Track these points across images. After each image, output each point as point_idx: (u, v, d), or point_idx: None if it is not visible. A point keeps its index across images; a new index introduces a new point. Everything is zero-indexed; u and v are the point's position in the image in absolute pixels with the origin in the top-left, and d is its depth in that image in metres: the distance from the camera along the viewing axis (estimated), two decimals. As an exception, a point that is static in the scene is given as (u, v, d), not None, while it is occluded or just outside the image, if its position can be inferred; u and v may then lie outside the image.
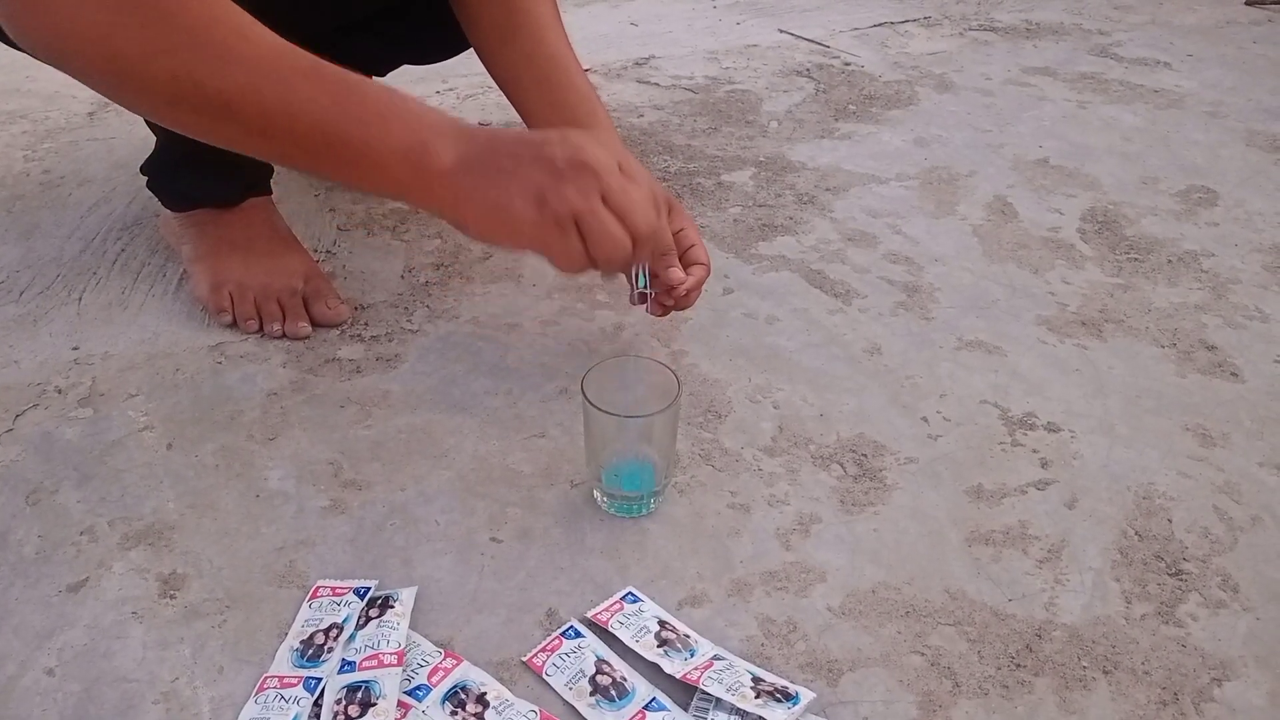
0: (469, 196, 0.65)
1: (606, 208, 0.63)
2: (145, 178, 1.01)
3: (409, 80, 1.45)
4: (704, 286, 0.89)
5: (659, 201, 0.68)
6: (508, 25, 0.90)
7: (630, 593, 0.69)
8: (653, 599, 0.69)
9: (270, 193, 1.03)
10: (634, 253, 0.66)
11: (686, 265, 0.86)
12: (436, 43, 1.17)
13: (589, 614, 0.67)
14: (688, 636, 0.66)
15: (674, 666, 0.63)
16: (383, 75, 1.24)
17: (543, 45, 0.90)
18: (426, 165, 0.64)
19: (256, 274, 0.95)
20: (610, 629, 0.66)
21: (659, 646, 0.65)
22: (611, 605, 0.68)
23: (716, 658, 0.64)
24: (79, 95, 1.47)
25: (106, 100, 1.44)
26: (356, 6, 1.07)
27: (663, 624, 0.67)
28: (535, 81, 0.90)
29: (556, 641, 0.65)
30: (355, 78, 0.65)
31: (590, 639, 0.66)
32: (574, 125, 0.88)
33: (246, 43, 0.63)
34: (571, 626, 0.67)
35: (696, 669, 0.63)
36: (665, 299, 0.86)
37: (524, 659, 0.65)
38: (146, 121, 0.96)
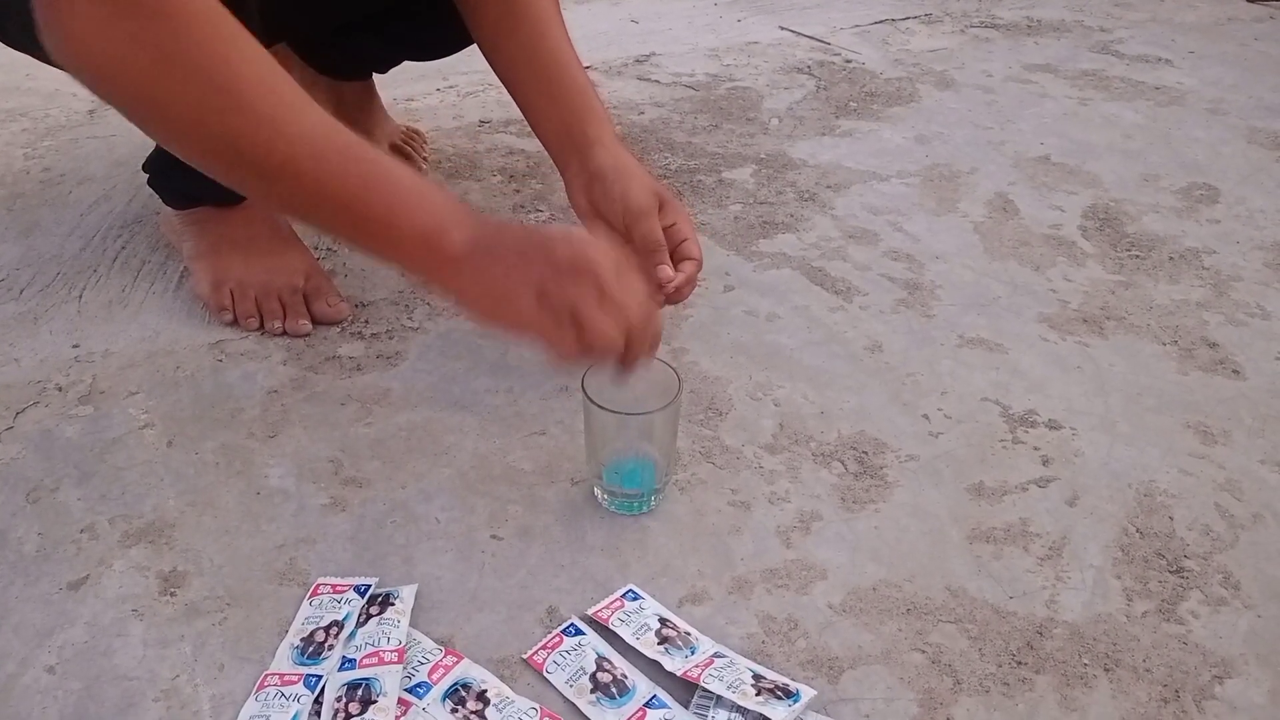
0: (475, 281, 0.68)
1: (602, 305, 0.66)
2: (146, 175, 1.01)
3: (410, 77, 1.45)
4: (702, 280, 0.89)
5: (651, 305, 0.70)
6: (509, 20, 0.91)
7: (631, 590, 0.69)
8: (653, 596, 0.69)
9: None
10: (626, 347, 0.68)
11: (677, 261, 0.86)
12: (437, 40, 1.17)
13: (589, 611, 0.67)
14: (688, 634, 0.66)
15: (674, 664, 0.63)
16: (384, 72, 1.24)
17: (543, 40, 0.90)
18: (440, 249, 0.67)
19: (257, 272, 0.95)
20: (611, 626, 0.66)
21: (659, 644, 0.65)
22: (612, 603, 0.68)
23: (717, 655, 0.64)
24: (79, 93, 1.46)
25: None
26: (358, 5, 1.07)
27: (663, 621, 0.67)
28: (534, 77, 0.91)
29: (557, 639, 0.65)
30: (387, 161, 0.68)
31: (591, 636, 0.66)
32: (571, 122, 0.89)
33: (295, 118, 0.65)
34: (572, 624, 0.67)
35: (697, 666, 0.63)
36: (656, 295, 0.86)
37: (524, 656, 0.65)
38: None
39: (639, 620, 0.66)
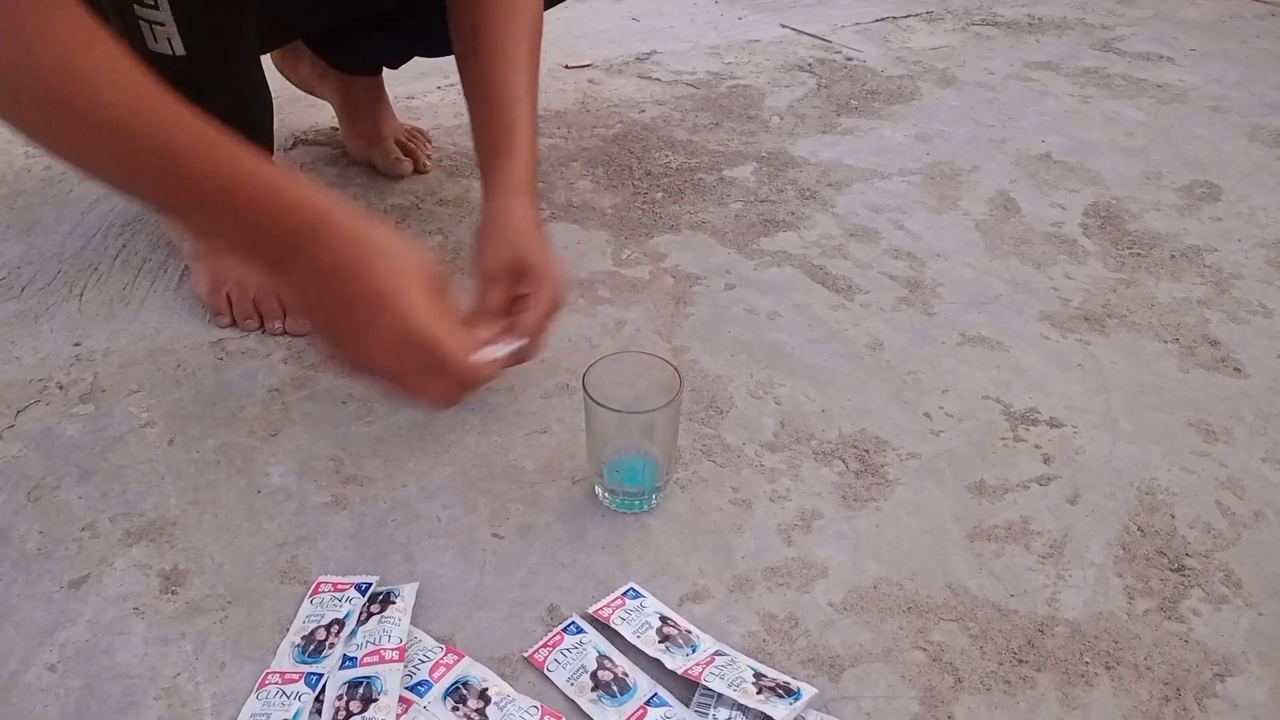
0: (310, 318, 0.69)
1: (412, 389, 0.68)
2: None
3: (411, 75, 1.45)
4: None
5: (464, 381, 0.69)
6: (470, 47, 0.89)
7: (632, 588, 0.69)
8: (655, 595, 0.69)
9: None
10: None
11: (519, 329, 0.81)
12: (447, 37, 1.17)
13: (591, 610, 0.67)
14: (689, 632, 0.66)
15: (676, 662, 0.63)
16: (395, 67, 1.24)
17: (494, 72, 0.88)
18: (277, 263, 0.65)
19: (256, 272, 0.95)
20: (612, 625, 0.66)
21: (660, 642, 0.65)
22: (613, 601, 0.68)
23: (718, 653, 0.64)
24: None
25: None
26: (365, 2, 1.07)
27: (664, 619, 0.67)
28: (478, 106, 0.89)
29: (558, 637, 0.65)
30: (222, 141, 0.62)
31: (592, 634, 0.66)
32: (488, 158, 0.86)
33: (148, 110, 0.60)
34: (573, 622, 0.67)
35: (698, 665, 0.63)
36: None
37: (525, 655, 0.65)
38: None
39: (640, 619, 0.66)
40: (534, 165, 0.87)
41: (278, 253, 0.64)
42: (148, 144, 0.60)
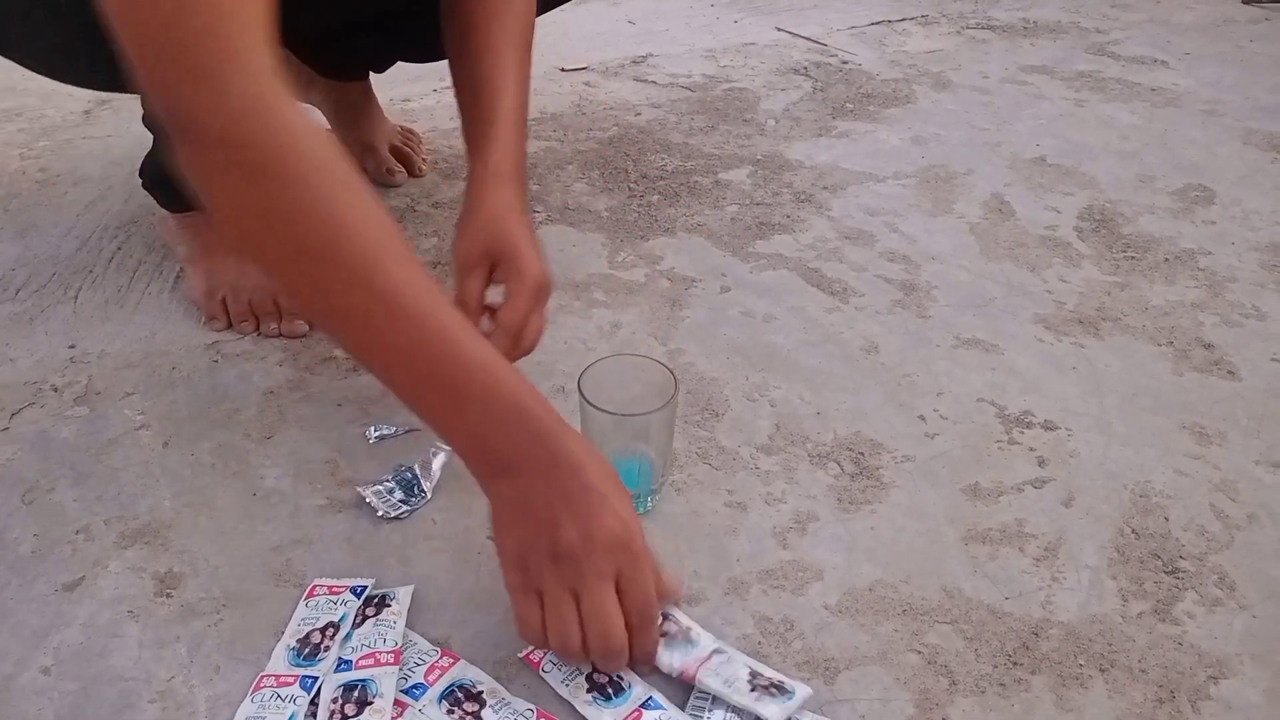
0: (496, 504, 0.64)
1: (573, 603, 0.60)
2: (142, 178, 1.01)
3: (406, 78, 1.45)
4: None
5: (633, 625, 0.62)
6: (460, 46, 0.89)
7: None
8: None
9: None
10: (581, 656, 0.61)
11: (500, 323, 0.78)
12: (435, 42, 1.17)
13: (520, 655, 0.65)
14: (689, 629, 0.66)
15: (674, 659, 0.63)
16: (381, 71, 1.24)
17: (479, 67, 0.87)
18: (479, 458, 0.63)
19: (251, 274, 0.95)
20: (541, 673, 0.64)
21: (588, 691, 0.63)
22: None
23: (716, 651, 0.64)
24: (75, 94, 1.46)
25: (103, 98, 1.44)
26: (359, 6, 1.07)
27: (663, 615, 0.67)
28: (466, 102, 0.88)
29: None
30: (460, 342, 0.62)
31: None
32: (472, 145, 0.85)
33: (382, 270, 0.61)
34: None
35: (696, 661, 0.63)
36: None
37: (521, 655, 0.64)
38: (144, 120, 0.96)
39: (571, 664, 0.64)
40: (517, 154, 0.85)
41: (512, 450, 0.62)
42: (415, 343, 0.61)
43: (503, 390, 0.62)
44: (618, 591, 0.60)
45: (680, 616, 0.67)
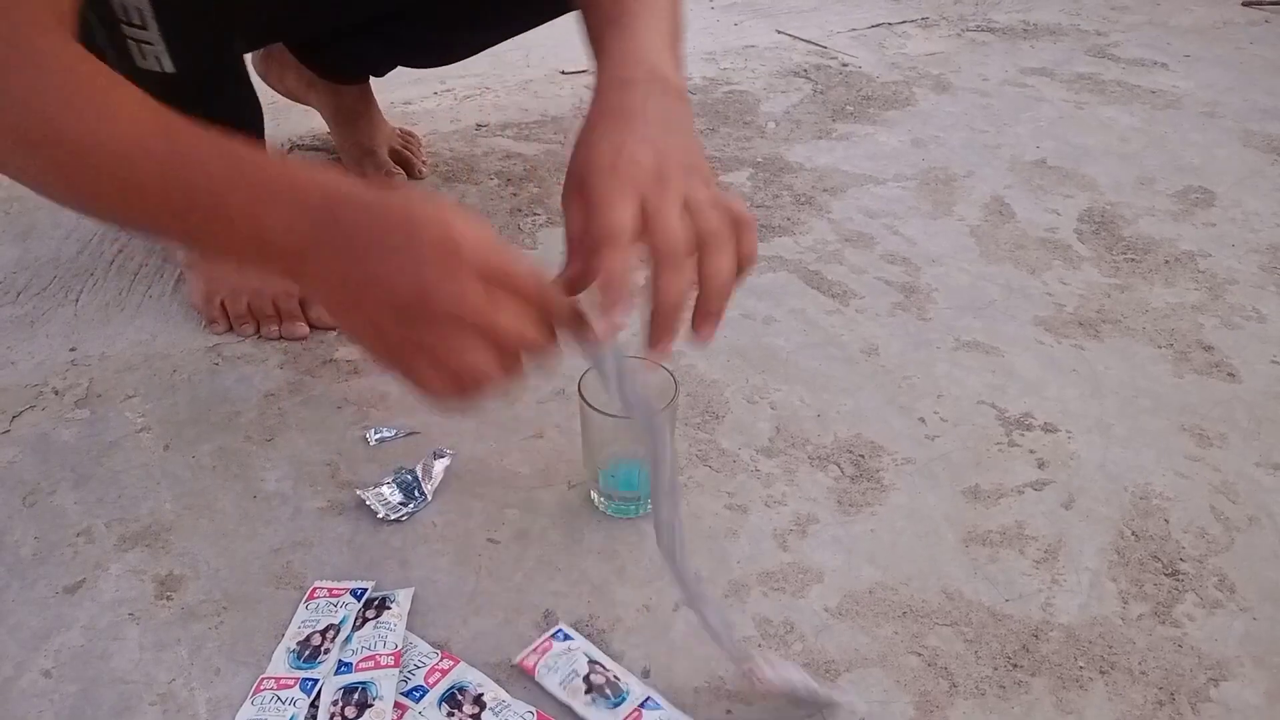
0: (315, 294, 0.58)
1: (464, 341, 0.53)
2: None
3: (406, 81, 1.45)
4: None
5: (546, 297, 0.55)
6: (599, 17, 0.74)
7: (560, 630, 0.67)
8: (650, 599, 0.69)
9: None
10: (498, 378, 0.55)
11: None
12: (435, 47, 1.17)
13: (516, 660, 0.64)
14: (617, 680, 0.63)
15: (600, 716, 0.61)
16: (381, 75, 1.24)
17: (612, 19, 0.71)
18: (263, 247, 0.56)
19: (250, 278, 0.95)
20: (537, 676, 0.63)
21: (587, 693, 0.62)
22: (540, 645, 0.65)
23: (646, 703, 0.62)
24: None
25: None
26: (356, 9, 1.07)
27: (593, 665, 0.64)
28: (599, 33, 0.72)
29: (546, 644, 0.65)
30: (201, 144, 0.57)
31: (580, 641, 0.66)
32: (603, 80, 0.67)
33: (107, 131, 0.57)
34: (560, 629, 0.67)
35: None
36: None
37: (515, 662, 0.64)
38: None
39: (568, 665, 0.64)
40: (644, 53, 0.66)
41: (303, 234, 0.55)
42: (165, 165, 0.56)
43: (257, 169, 0.56)
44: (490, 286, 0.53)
45: (609, 664, 0.64)
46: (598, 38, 0.71)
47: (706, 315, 0.61)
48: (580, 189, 0.60)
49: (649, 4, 0.71)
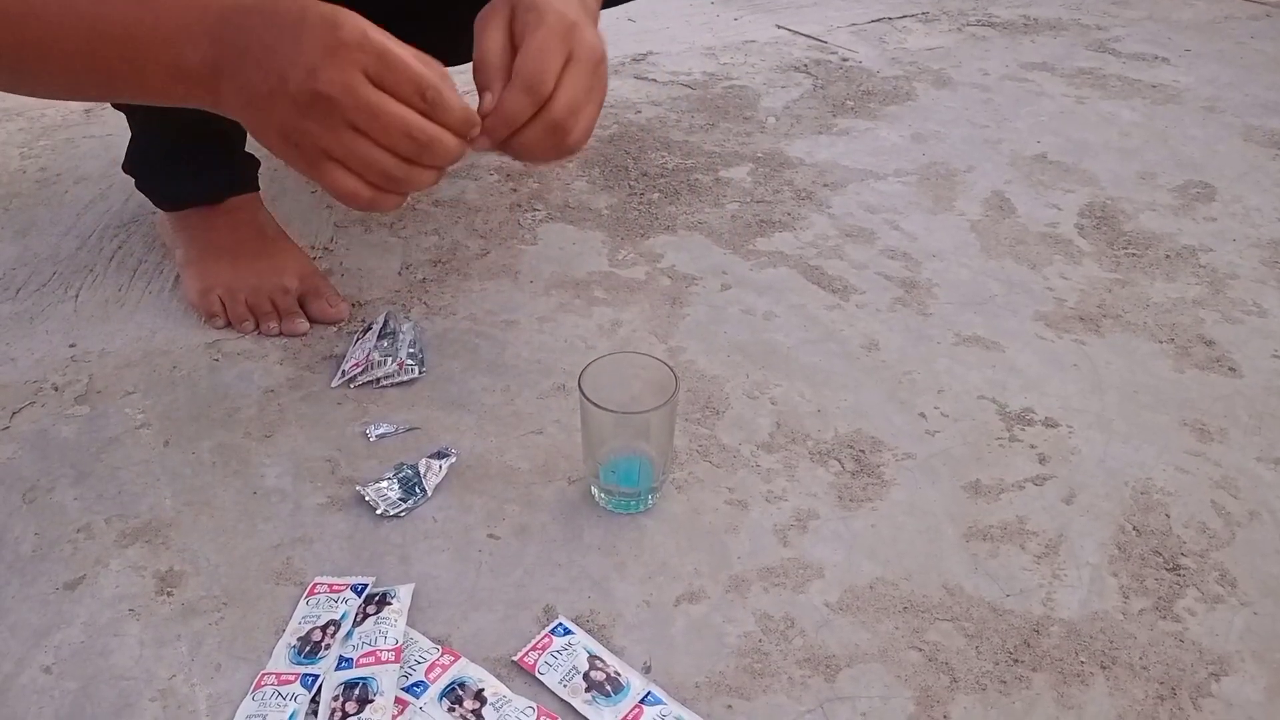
0: (235, 112, 0.59)
1: (359, 133, 0.56)
2: (133, 177, 1.01)
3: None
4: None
5: (433, 86, 0.58)
6: None
7: (560, 624, 0.67)
8: (651, 595, 0.69)
9: (257, 190, 1.02)
10: (417, 165, 0.58)
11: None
12: (439, 48, 1.17)
13: (515, 656, 0.64)
14: (617, 676, 0.63)
15: (600, 715, 0.61)
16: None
17: None
18: (183, 78, 0.59)
19: (246, 276, 0.95)
20: (538, 674, 0.63)
21: (587, 690, 0.62)
22: (540, 641, 0.65)
23: (646, 699, 0.62)
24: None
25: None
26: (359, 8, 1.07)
27: (593, 661, 0.64)
28: None
29: (546, 639, 0.65)
30: None
31: (580, 635, 0.66)
32: None
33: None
34: (560, 624, 0.67)
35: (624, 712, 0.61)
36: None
37: (515, 658, 0.64)
38: (127, 117, 0.97)
39: (568, 661, 0.64)
40: None
41: (210, 55, 0.57)
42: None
43: (156, 6, 0.58)
44: (382, 89, 0.56)
45: (610, 659, 0.64)
46: None
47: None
48: (513, 19, 0.64)
49: None
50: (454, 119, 0.60)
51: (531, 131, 0.65)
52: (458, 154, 0.60)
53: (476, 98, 0.67)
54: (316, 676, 0.62)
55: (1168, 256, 1.13)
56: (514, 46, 0.65)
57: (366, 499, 0.75)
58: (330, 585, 0.69)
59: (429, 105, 0.59)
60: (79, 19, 0.58)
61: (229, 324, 0.95)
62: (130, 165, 1.00)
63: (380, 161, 0.57)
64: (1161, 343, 0.99)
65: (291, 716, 0.59)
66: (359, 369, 0.87)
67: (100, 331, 0.95)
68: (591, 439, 0.74)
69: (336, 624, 0.65)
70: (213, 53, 0.58)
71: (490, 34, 0.65)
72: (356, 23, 0.57)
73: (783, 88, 1.58)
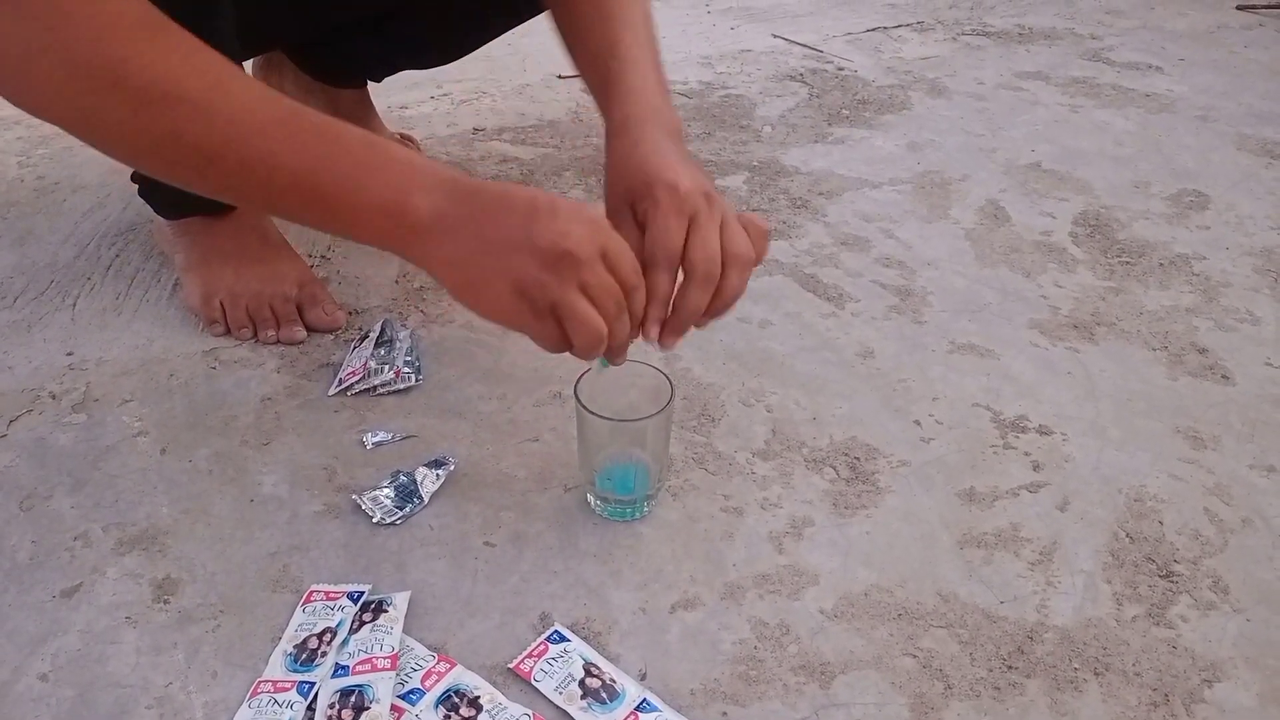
0: (449, 262, 0.64)
1: (585, 297, 0.62)
2: (136, 185, 1.01)
3: (404, 85, 1.46)
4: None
5: (636, 286, 0.66)
6: (576, 25, 0.87)
7: (556, 631, 0.67)
8: (647, 602, 0.70)
9: None
10: (610, 337, 0.65)
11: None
12: (436, 46, 1.17)
13: (511, 664, 0.65)
14: (613, 682, 0.63)
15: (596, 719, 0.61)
16: (379, 80, 1.24)
17: (597, 42, 0.83)
18: (404, 222, 0.63)
19: (248, 282, 0.95)
20: (533, 681, 0.63)
21: (583, 698, 0.62)
22: (536, 649, 0.66)
23: (641, 706, 0.62)
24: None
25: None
26: (357, 7, 1.07)
27: (588, 668, 0.64)
28: (591, 78, 0.85)
29: (542, 647, 0.65)
30: (336, 126, 0.64)
31: (576, 643, 0.66)
32: (621, 117, 0.78)
33: (225, 95, 0.61)
34: (556, 631, 0.67)
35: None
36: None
37: (510, 666, 0.64)
38: None
39: (564, 669, 0.64)
40: (651, 99, 0.78)
41: (443, 210, 0.63)
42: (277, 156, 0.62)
43: (389, 150, 0.64)
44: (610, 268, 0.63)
45: (605, 666, 0.64)
46: (596, 66, 0.82)
47: (698, 323, 0.72)
48: (633, 205, 0.71)
49: (634, 32, 0.83)
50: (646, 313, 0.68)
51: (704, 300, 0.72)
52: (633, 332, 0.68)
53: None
54: (313, 684, 0.62)
55: (1161, 265, 1.14)
56: (639, 223, 0.71)
57: (363, 507, 0.76)
58: (327, 593, 0.69)
59: (632, 289, 0.66)
60: (286, 133, 0.63)
61: (227, 331, 0.95)
62: (137, 173, 1.00)
63: (590, 324, 0.63)
64: (1155, 350, 0.99)
65: (288, 724, 0.60)
66: (356, 377, 0.88)
67: (98, 339, 0.95)
68: (587, 446, 0.74)
69: (333, 631, 0.65)
70: (444, 205, 0.63)
71: (622, 233, 0.68)
72: (598, 218, 0.65)
73: (778, 97, 1.59)
